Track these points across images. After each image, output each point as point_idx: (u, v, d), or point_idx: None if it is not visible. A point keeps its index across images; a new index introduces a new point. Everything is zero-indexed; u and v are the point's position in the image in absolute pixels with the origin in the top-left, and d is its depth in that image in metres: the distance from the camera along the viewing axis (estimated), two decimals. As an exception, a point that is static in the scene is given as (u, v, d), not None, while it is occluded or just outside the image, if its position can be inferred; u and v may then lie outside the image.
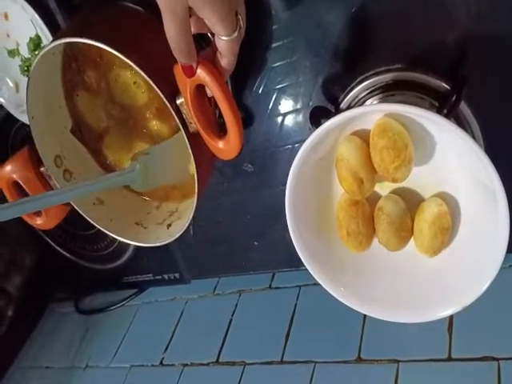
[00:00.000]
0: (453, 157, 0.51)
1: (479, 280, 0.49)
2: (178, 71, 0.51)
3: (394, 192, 0.57)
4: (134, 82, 0.65)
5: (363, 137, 0.53)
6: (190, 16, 0.46)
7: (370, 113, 0.52)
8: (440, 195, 0.54)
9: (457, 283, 0.52)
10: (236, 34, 0.48)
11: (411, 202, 0.56)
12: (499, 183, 0.45)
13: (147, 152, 0.61)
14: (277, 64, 0.66)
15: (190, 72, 0.50)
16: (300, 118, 0.69)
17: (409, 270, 0.57)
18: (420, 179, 0.55)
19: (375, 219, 0.57)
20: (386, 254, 0.57)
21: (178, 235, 0.65)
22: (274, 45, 0.64)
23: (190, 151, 0.55)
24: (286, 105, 0.69)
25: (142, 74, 0.52)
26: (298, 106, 0.68)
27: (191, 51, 0.48)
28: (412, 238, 0.57)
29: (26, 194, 0.74)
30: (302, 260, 0.57)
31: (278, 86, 0.68)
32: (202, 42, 0.58)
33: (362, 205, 0.57)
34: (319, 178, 0.58)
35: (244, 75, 0.68)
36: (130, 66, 0.53)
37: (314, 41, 0.62)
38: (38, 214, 0.77)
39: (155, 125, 0.67)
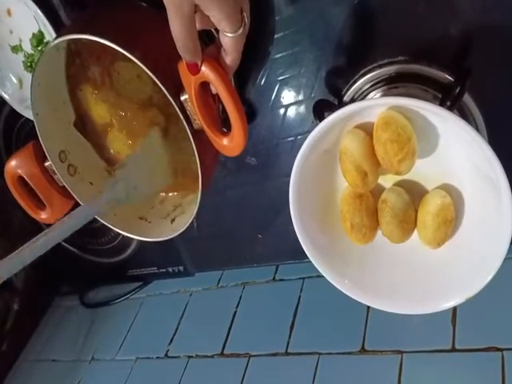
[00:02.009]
0: (456, 149, 0.51)
1: (483, 271, 0.49)
2: (182, 68, 0.51)
3: (398, 184, 0.57)
4: (138, 76, 0.65)
5: (367, 130, 0.53)
6: (195, 12, 0.47)
7: (373, 106, 0.52)
8: (443, 187, 0.55)
9: (460, 275, 0.52)
10: (241, 31, 0.48)
11: (415, 194, 0.56)
12: (503, 175, 0.45)
13: (124, 164, 0.61)
14: (279, 55, 0.66)
15: (194, 69, 0.50)
16: (302, 109, 0.69)
17: (412, 262, 0.57)
18: (423, 171, 0.55)
19: (379, 212, 0.57)
20: (389, 246, 0.58)
21: (181, 230, 0.65)
22: (276, 36, 0.64)
23: (194, 148, 0.55)
24: (288, 96, 0.69)
25: (146, 70, 0.52)
26: (301, 98, 0.68)
27: (196, 49, 0.49)
28: (415, 230, 0.57)
29: (31, 189, 0.75)
30: (306, 252, 0.57)
31: (280, 78, 0.67)
32: (205, 38, 0.58)
33: (366, 197, 0.57)
34: (323, 171, 0.58)
35: (246, 66, 0.67)
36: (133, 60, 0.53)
37: (316, 33, 0.62)
38: (42, 207, 0.77)
39: (159, 118, 0.68)
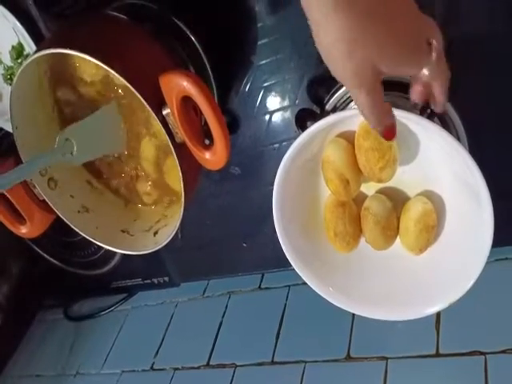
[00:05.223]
0: (437, 156, 0.52)
1: (465, 276, 0.50)
2: (163, 82, 0.51)
3: (380, 192, 0.58)
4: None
5: (348, 138, 0.54)
6: None
7: (354, 115, 0.52)
8: (425, 194, 0.55)
9: (443, 280, 0.53)
10: (434, 60, 0.44)
11: (397, 201, 0.57)
12: (483, 182, 0.45)
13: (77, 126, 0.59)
14: (263, 62, 0.66)
15: (390, 134, 0.46)
16: (287, 115, 0.69)
17: (395, 269, 0.58)
18: (405, 178, 0.56)
19: (362, 219, 0.57)
20: (373, 253, 0.58)
21: (164, 243, 0.65)
22: (259, 43, 0.64)
23: (177, 161, 0.55)
24: (273, 102, 0.69)
25: (128, 84, 0.51)
26: (285, 104, 0.68)
27: (388, 112, 0.45)
28: (398, 237, 0.57)
29: (10, 203, 0.74)
30: (290, 261, 0.57)
31: (265, 84, 0.68)
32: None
33: (349, 205, 0.57)
34: (306, 180, 0.58)
35: (230, 74, 0.68)
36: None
37: (298, 41, 0.62)
38: (22, 222, 0.76)
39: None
